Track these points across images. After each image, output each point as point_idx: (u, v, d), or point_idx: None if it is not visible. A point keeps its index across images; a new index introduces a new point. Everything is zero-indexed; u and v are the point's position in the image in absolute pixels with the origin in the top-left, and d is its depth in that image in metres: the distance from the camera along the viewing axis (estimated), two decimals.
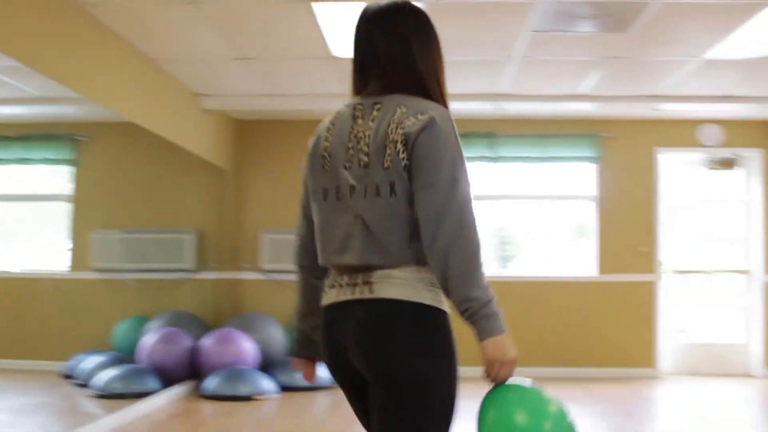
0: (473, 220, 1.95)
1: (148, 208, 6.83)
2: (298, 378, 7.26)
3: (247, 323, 7.66)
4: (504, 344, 1.92)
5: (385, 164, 1.98)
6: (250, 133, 8.61)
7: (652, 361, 8.42)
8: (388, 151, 1.98)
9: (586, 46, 5.94)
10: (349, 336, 2.02)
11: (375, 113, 2.05)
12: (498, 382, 1.95)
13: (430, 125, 1.96)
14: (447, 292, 1.95)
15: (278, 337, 7.75)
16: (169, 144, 6.81)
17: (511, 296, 8.35)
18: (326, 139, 2.15)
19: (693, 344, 8.85)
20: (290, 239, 8.43)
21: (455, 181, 1.95)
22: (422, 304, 1.97)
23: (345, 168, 2.06)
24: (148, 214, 7.12)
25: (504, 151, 8.44)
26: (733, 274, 8.81)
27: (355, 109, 2.11)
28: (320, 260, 2.15)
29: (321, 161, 2.14)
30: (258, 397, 6.74)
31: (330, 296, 2.11)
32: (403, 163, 1.96)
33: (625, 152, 8.54)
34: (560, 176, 8.60)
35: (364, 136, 2.04)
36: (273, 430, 5.53)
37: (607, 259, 8.30)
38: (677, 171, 8.83)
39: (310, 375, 2.32)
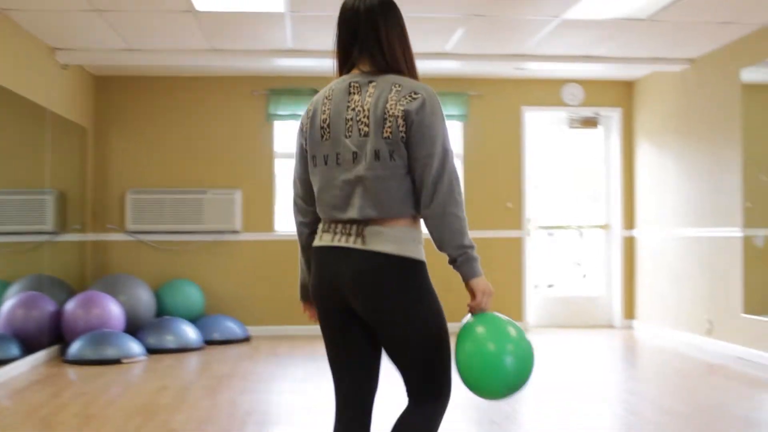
0: (459, 184, 2.38)
1: (4, 168, 6.53)
2: (167, 340, 7.16)
3: (113, 286, 7.48)
4: (486, 281, 2.41)
5: (385, 134, 2.34)
6: (111, 90, 8.34)
7: (520, 315, 8.67)
8: (388, 123, 2.34)
9: (451, 3, 5.99)
10: (345, 275, 2.39)
11: (371, 90, 2.39)
12: (483, 311, 2.40)
13: (425, 103, 2.35)
14: (443, 244, 2.38)
15: (145, 298, 7.60)
16: (24, 100, 6.52)
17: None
18: (323, 112, 2.46)
19: (558, 298, 9.16)
20: (156, 199, 8.26)
21: (447, 152, 2.36)
22: (406, 257, 2.36)
23: (345, 137, 2.40)
24: (3, 174, 6.79)
25: None
26: (595, 229, 9.15)
27: (350, 85, 2.44)
28: (322, 215, 2.49)
29: (320, 132, 2.46)
30: (125, 360, 6.61)
31: (325, 239, 2.46)
32: (401, 134, 2.34)
33: (492, 111, 8.70)
34: None
35: (363, 109, 2.38)
36: (140, 392, 5.42)
37: (475, 216, 8.46)
38: (542, 129, 9.07)
39: (315, 315, 2.65)
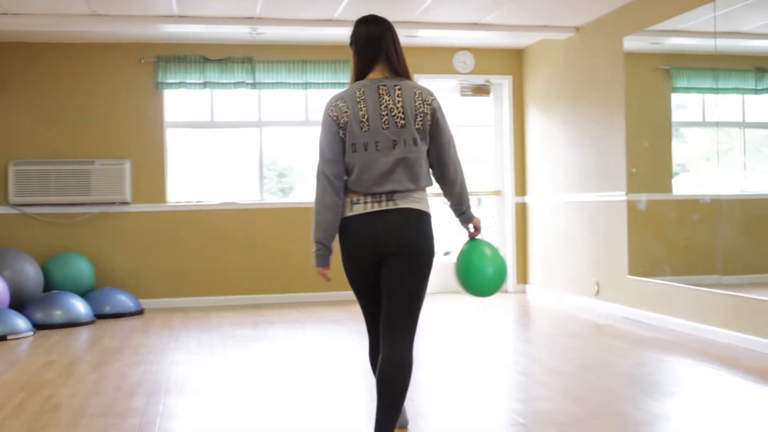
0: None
1: None
2: (55, 315, 6.97)
3: None
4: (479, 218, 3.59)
5: (417, 125, 3.25)
6: None
7: None
8: (419, 118, 3.25)
9: None
10: (383, 230, 3.23)
11: (398, 92, 3.24)
12: (476, 237, 3.60)
13: (440, 104, 3.34)
14: (462, 201, 3.48)
15: (32, 273, 7.36)
16: None
17: (296, 222, 8.41)
18: (361, 109, 3.23)
19: (451, 264, 9.27)
20: (41, 170, 7.97)
21: (453, 138, 3.41)
22: (426, 211, 3.32)
23: (383, 128, 3.22)
24: None
25: (263, 77, 8.37)
26: (488, 196, 9.29)
27: (379, 88, 3.26)
28: (358, 189, 3.24)
29: (359, 125, 3.22)
30: (11, 336, 6.40)
31: (356, 209, 3.26)
32: (428, 126, 3.28)
33: None
34: (320, 102, 8.62)
35: (396, 107, 3.23)
36: (27, 367, 5.27)
37: None
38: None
39: (329, 277, 3.40)
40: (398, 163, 3.21)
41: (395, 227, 3.22)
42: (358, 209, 3.24)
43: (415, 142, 3.23)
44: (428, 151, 3.32)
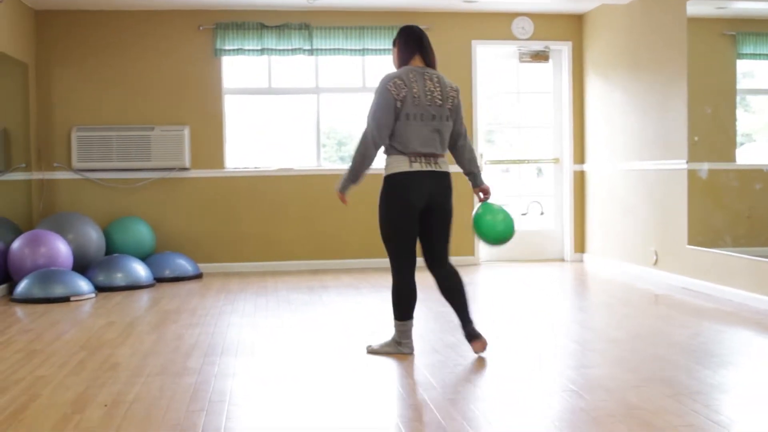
0: None
1: None
2: (116, 278, 7.12)
3: (60, 224, 7.39)
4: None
5: (448, 105, 4.38)
6: (52, 25, 8.14)
7: (472, 249, 8.75)
8: (449, 100, 4.39)
9: None
10: (436, 186, 4.38)
11: (435, 79, 4.38)
12: (487, 200, 4.61)
13: (459, 92, 4.49)
14: (473, 164, 4.58)
15: (94, 237, 7.53)
16: None
17: (354, 189, 8.42)
18: (414, 88, 4.28)
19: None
20: (102, 136, 8.14)
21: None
22: (450, 172, 4.45)
23: (428, 105, 4.31)
24: None
25: (320, 44, 8.37)
26: (547, 164, 9.20)
27: (424, 74, 4.37)
28: (408, 150, 4.29)
29: (413, 100, 4.27)
30: (74, 298, 6.56)
31: (415, 166, 4.31)
32: (453, 106, 4.41)
33: (441, 44, 8.60)
34: (377, 69, 8.60)
35: (434, 90, 4.34)
36: (88, 327, 5.40)
37: None
38: (493, 63, 9.04)
39: (347, 201, 4.58)
40: (435, 132, 4.35)
41: (443, 186, 4.41)
42: (417, 167, 4.31)
43: (447, 119, 4.39)
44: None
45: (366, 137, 4.30)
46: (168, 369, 4.24)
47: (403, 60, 4.44)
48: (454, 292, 4.52)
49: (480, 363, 4.39)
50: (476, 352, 4.45)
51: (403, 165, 4.29)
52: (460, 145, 4.53)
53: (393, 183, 4.33)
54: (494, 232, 4.56)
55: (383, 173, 4.43)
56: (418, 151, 4.29)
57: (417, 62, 4.42)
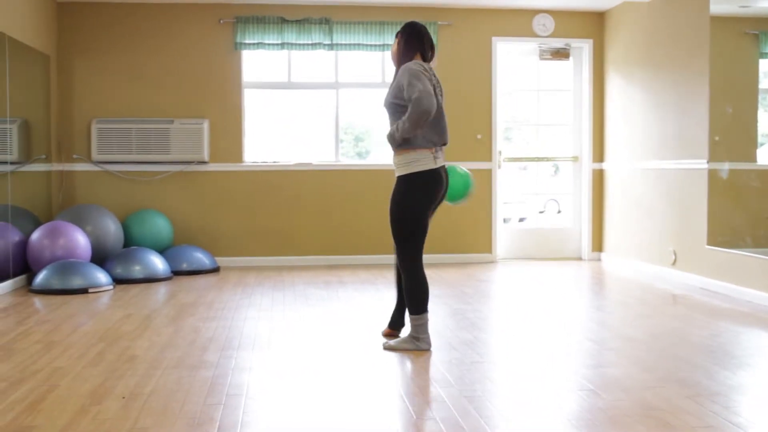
0: None
1: None
2: (134, 270, 7.15)
3: (79, 216, 7.43)
4: None
5: (443, 98, 4.59)
6: (74, 17, 8.17)
7: (490, 247, 8.73)
8: (442, 94, 4.58)
9: None
10: (446, 181, 4.60)
11: (435, 74, 4.57)
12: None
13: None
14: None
15: (113, 229, 7.56)
16: None
17: (371, 185, 8.45)
18: (431, 79, 4.46)
19: (528, 230, 9.22)
20: (122, 129, 8.18)
21: None
22: None
23: (438, 96, 4.52)
24: None
25: (340, 39, 8.36)
26: (565, 162, 9.17)
27: (430, 68, 4.55)
28: (434, 139, 4.51)
29: (433, 89, 4.42)
30: (92, 290, 6.59)
31: (438, 162, 4.52)
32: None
33: (462, 40, 8.63)
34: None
35: (438, 84, 4.54)
36: (106, 319, 5.43)
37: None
38: (513, 60, 9.01)
39: None
40: (443, 123, 4.57)
41: (447, 180, 4.64)
42: (440, 162, 4.52)
43: (443, 110, 4.61)
44: None
45: (423, 107, 4.27)
46: (185, 362, 4.26)
47: (406, 56, 4.57)
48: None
49: (497, 360, 4.38)
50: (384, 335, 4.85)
51: (429, 162, 4.44)
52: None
53: (422, 180, 4.43)
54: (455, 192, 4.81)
55: (405, 170, 4.45)
56: (437, 143, 4.49)
57: (418, 58, 4.57)
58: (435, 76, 4.55)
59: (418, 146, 4.42)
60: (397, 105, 4.49)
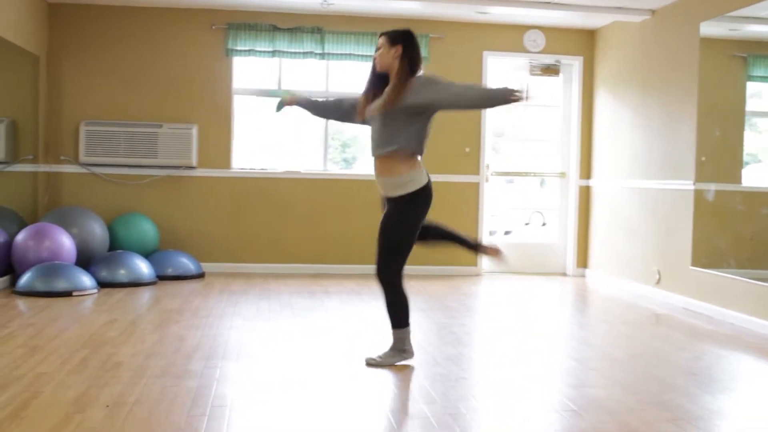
0: None
1: None
2: (119, 274, 7.13)
3: (65, 218, 7.40)
4: None
5: None
6: (65, 18, 8.13)
7: (475, 260, 8.75)
8: None
9: None
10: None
11: None
12: None
13: None
14: None
15: (98, 232, 7.53)
16: None
17: (359, 194, 8.46)
18: None
19: (513, 244, 9.24)
20: (110, 131, 8.14)
21: None
22: None
23: None
24: None
25: (332, 48, 8.38)
26: (552, 178, 9.21)
27: None
28: (423, 154, 4.51)
29: None
30: (76, 293, 6.57)
31: (429, 176, 4.47)
32: None
33: (453, 54, 8.66)
34: None
35: None
36: (90, 324, 5.41)
37: (433, 160, 8.44)
38: (503, 75, 9.05)
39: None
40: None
41: None
42: (430, 176, 4.48)
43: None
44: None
45: (464, 85, 4.51)
46: (169, 371, 4.25)
47: (415, 68, 4.53)
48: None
49: (481, 378, 4.39)
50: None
51: (425, 177, 4.43)
52: None
53: (423, 197, 4.41)
54: None
55: (408, 188, 4.39)
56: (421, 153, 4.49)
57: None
58: None
59: (415, 160, 4.42)
60: (412, 111, 4.38)
